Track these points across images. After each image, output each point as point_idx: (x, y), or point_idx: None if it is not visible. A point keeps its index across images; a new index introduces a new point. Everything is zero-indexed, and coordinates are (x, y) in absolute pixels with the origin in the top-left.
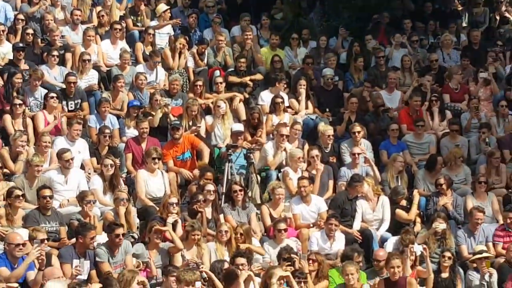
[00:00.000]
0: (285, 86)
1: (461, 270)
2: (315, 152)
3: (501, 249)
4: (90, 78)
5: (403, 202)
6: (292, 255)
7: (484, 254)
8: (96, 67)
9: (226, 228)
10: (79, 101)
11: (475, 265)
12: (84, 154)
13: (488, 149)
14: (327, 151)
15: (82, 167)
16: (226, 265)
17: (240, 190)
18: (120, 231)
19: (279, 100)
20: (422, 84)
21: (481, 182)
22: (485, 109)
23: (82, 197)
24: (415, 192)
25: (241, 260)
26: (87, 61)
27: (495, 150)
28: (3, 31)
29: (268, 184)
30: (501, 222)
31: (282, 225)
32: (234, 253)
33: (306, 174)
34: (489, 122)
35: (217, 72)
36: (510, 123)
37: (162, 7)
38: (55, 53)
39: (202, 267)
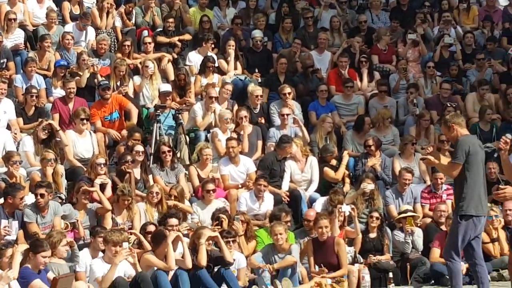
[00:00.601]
0: (212, 46)
1: (388, 230)
2: (244, 112)
3: (428, 210)
4: (16, 38)
5: (333, 162)
6: (221, 214)
7: (409, 213)
8: (22, 26)
9: (157, 190)
10: (5, 60)
11: (401, 224)
12: (10, 114)
13: (416, 110)
14: (256, 112)
15: (8, 127)
16: (151, 227)
17: (169, 151)
18: (41, 191)
19: (211, 64)
20: (351, 45)
21: (413, 144)
22: (413, 70)
23: (8, 158)
24: (345, 152)
25: (173, 221)
26: (13, 20)
27: (425, 112)
28: None
29: (197, 144)
30: (429, 183)
31: (210, 186)
32: (166, 214)
33: (234, 135)
34: (417, 83)
35: (145, 32)
36: (437, 84)
37: None
38: None
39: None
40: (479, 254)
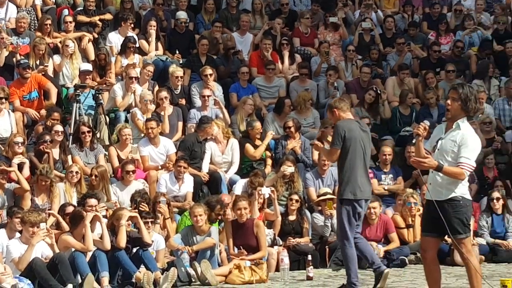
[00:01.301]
0: (132, 26)
1: (308, 213)
2: (164, 93)
3: None
4: None
5: (258, 142)
6: (142, 204)
7: (328, 196)
8: None
9: (77, 169)
10: None
11: (320, 207)
12: None
13: (336, 93)
14: (176, 93)
15: None
16: (69, 208)
17: (88, 131)
18: None
19: (131, 44)
20: (272, 27)
21: (333, 127)
22: (334, 53)
23: None
24: (270, 132)
25: (92, 202)
26: None
27: (344, 95)
28: None
29: (116, 125)
30: None
31: (130, 167)
32: (85, 194)
33: (155, 116)
34: (337, 66)
35: (66, 11)
36: (358, 68)
37: None
38: None
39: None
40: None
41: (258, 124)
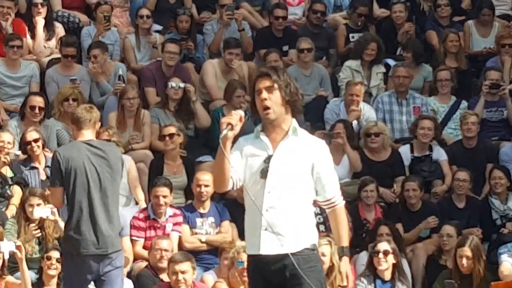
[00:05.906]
0: None
1: None
2: None
3: (142, 249)
4: None
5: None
6: None
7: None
8: None
9: None
10: None
11: None
12: None
13: (121, 85)
14: None
15: None
16: None
17: None
18: None
19: None
20: None
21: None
22: (117, 21)
23: None
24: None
25: None
26: None
27: (128, 87)
28: None
29: None
30: (144, 204)
31: None
32: None
33: None
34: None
35: None
36: (158, 45)
37: None
38: None
39: None
40: None
41: (7, 136)
